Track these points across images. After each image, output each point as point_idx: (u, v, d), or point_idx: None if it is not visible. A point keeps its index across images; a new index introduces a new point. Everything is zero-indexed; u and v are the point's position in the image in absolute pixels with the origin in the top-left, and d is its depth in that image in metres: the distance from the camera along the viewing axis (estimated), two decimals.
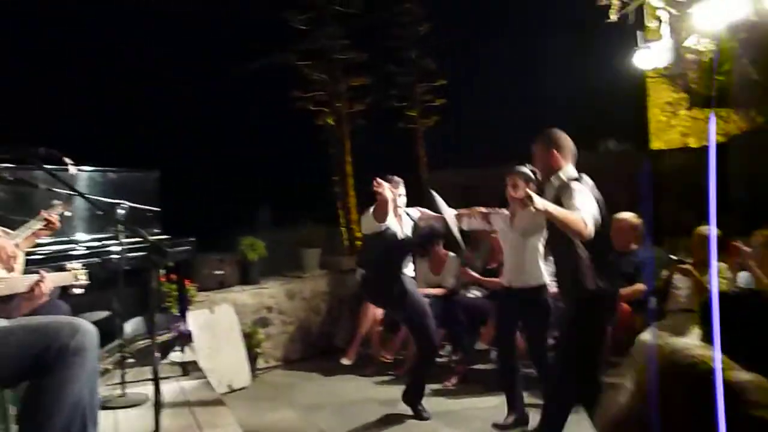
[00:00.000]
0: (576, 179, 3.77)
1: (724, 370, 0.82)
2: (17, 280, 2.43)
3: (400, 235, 4.82)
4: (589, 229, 3.31)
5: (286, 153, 10.55)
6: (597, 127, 10.91)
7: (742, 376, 0.83)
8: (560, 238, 3.64)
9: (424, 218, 4.99)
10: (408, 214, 4.98)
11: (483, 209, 4.76)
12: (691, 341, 0.88)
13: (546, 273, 4.60)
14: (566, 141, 3.94)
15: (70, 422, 2.23)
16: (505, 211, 4.68)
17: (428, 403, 5.22)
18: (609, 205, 7.09)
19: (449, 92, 13.31)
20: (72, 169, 2.75)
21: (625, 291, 5.17)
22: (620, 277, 5.24)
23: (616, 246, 5.42)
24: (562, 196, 3.58)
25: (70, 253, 4.38)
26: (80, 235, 4.67)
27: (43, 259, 4.18)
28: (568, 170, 3.87)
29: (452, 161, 11.42)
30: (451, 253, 6.42)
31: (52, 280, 2.49)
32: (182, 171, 8.36)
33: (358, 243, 7.58)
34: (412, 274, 5.09)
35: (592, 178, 3.93)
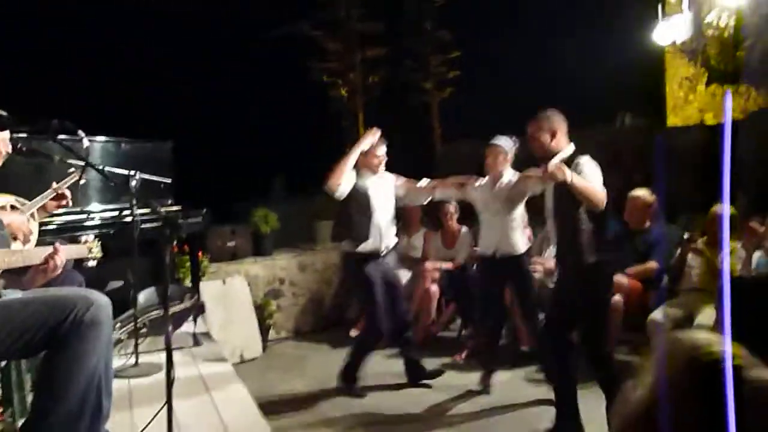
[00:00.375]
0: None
1: (745, 367, 0.81)
2: (31, 252, 2.45)
3: (374, 195, 4.69)
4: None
5: (300, 124, 10.54)
6: (614, 102, 10.77)
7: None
8: (566, 210, 3.71)
9: (401, 186, 4.89)
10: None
11: (460, 179, 4.83)
12: (714, 336, 0.86)
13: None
14: (562, 121, 3.95)
15: (86, 393, 2.27)
16: (482, 180, 4.72)
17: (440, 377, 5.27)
18: (623, 181, 7.06)
19: (464, 64, 13.19)
20: (85, 141, 2.74)
21: (637, 269, 5.16)
22: (634, 254, 5.24)
23: (630, 223, 5.40)
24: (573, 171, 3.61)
25: (85, 223, 4.42)
26: (94, 206, 4.69)
27: (57, 229, 4.22)
28: (569, 149, 3.90)
29: (467, 133, 11.37)
30: (464, 228, 6.42)
31: (66, 252, 2.50)
32: (196, 142, 8.39)
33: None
34: (392, 242, 4.87)
35: (607, 153, 3.98)
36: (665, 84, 11.44)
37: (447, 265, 6.26)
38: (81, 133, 2.63)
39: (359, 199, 4.62)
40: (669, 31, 6.01)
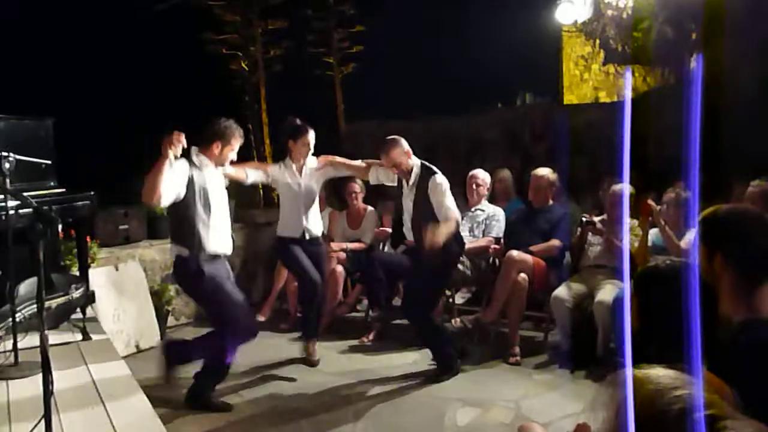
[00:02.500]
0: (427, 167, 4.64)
1: (721, 415, 0.72)
2: None
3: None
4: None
5: (198, 99, 10.07)
6: (516, 81, 10.94)
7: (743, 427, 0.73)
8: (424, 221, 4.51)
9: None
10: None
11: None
12: (674, 374, 0.78)
13: None
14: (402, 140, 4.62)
15: None
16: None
17: (346, 360, 5.17)
18: (526, 159, 7.16)
19: (369, 40, 13.03)
20: None
21: (540, 247, 5.22)
22: (536, 233, 5.30)
23: (533, 202, 5.46)
24: (432, 190, 4.52)
25: None
26: None
27: None
28: (415, 160, 4.65)
29: (371, 112, 11.23)
30: (370, 207, 6.32)
31: None
32: (82, 119, 7.84)
33: (275, 195, 7.34)
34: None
35: (509, 133, 4.17)
36: (562, 63, 11.75)
37: (353, 246, 6.14)
38: None
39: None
40: (570, 11, 6.08)
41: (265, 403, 4.38)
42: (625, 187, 4.74)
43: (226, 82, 12.59)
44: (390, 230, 5.96)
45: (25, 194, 3.04)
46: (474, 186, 5.67)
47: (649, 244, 4.86)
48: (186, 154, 3.96)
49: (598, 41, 7.19)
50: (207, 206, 4.01)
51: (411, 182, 4.67)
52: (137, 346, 5.48)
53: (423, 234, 4.38)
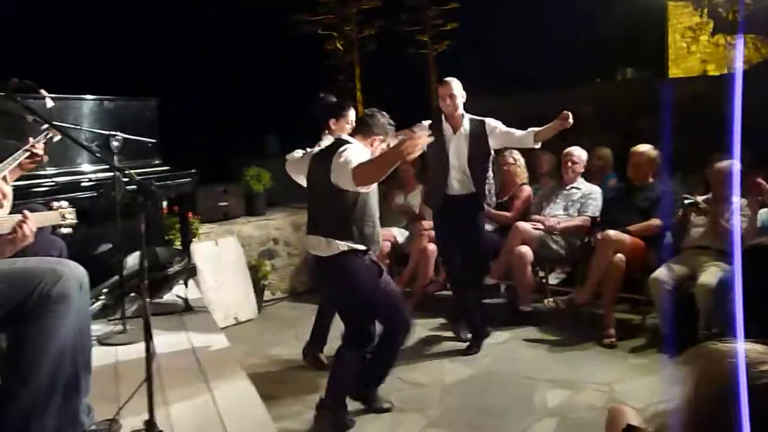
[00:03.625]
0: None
1: None
2: (6, 221, 2.29)
3: None
4: None
5: (293, 80, 10.26)
6: (615, 56, 10.50)
7: None
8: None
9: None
10: None
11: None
12: (762, 348, 0.73)
13: None
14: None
15: (58, 369, 2.14)
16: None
17: (434, 337, 5.19)
18: (625, 136, 6.88)
19: (463, 16, 12.85)
20: (48, 101, 2.57)
21: (639, 226, 5.03)
22: (636, 211, 5.10)
23: (633, 179, 5.26)
24: (492, 131, 4.66)
25: (74, 185, 4.29)
26: (85, 167, 4.55)
27: (47, 191, 4.09)
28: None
29: (465, 90, 11.07)
30: None
31: (36, 220, 2.35)
32: (185, 99, 8.16)
33: None
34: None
35: (609, 108, 3.95)
36: (667, 35, 11.15)
37: None
38: (43, 92, 2.45)
39: None
40: None
41: None
42: (735, 165, 4.47)
43: (321, 62, 12.74)
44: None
45: (128, 170, 3.19)
46: (570, 163, 5.52)
47: (759, 224, 4.58)
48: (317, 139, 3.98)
49: (706, 11, 6.81)
50: (374, 198, 3.64)
51: (461, 130, 4.65)
52: (236, 318, 5.71)
53: (481, 183, 4.55)
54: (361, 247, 3.44)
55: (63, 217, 2.50)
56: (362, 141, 3.56)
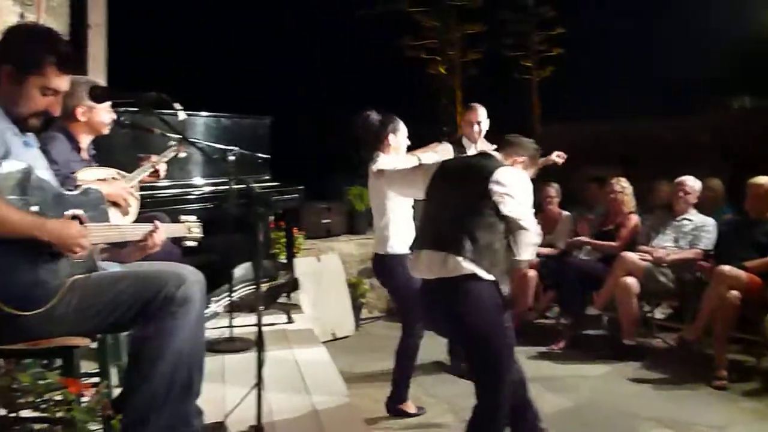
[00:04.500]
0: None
1: None
2: (129, 229, 2.45)
3: None
4: None
5: (396, 102, 10.39)
6: (734, 83, 10.03)
7: None
8: None
9: None
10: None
11: None
12: None
13: None
14: None
15: (175, 370, 2.24)
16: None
17: (534, 366, 5.07)
18: (740, 167, 6.55)
19: (569, 42, 12.67)
20: (182, 115, 2.73)
21: (757, 262, 4.76)
22: (753, 246, 4.84)
23: (751, 213, 5.00)
24: None
25: (186, 197, 4.48)
26: (197, 180, 4.76)
27: (161, 201, 4.30)
28: None
29: (568, 115, 10.89)
30: (566, 212, 6.15)
31: (165, 231, 2.50)
32: (293, 118, 8.43)
33: None
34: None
35: (724, 137, 3.62)
36: None
37: (545, 251, 6.01)
38: (178, 106, 2.60)
39: None
40: None
41: (450, 398, 4.38)
42: None
43: (423, 85, 12.84)
44: (586, 239, 5.77)
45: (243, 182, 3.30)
46: (682, 193, 5.31)
47: None
48: None
49: None
50: None
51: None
52: (333, 334, 5.80)
53: None
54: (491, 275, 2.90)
55: (189, 230, 2.65)
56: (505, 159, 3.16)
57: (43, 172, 2.13)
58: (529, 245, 2.95)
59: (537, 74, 13.78)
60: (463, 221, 2.93)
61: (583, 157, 4.55)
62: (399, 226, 3.73)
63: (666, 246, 5.28)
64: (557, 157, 4.66)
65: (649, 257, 5.20)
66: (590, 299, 5.76)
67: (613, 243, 5.60)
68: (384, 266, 3.78)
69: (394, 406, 3.95)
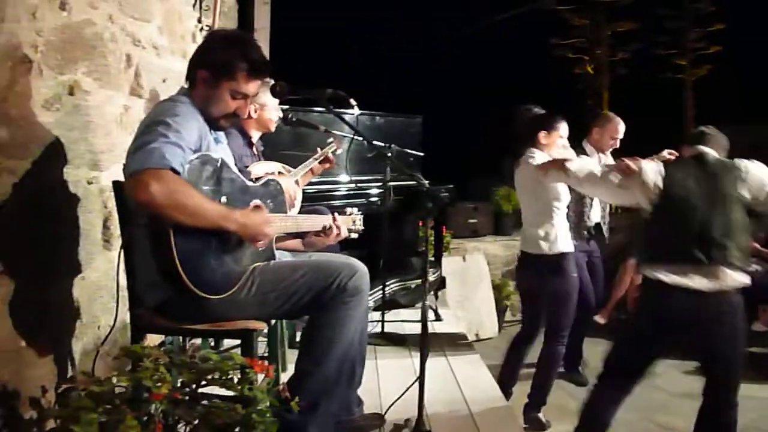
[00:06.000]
0: None
1: None
2: (304, 220, 2.56)
3: None
4: None
5: (542, 102, 10.20)
6: None
7: None
8: None
9: None
10: None
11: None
12: None
13: None
14: None
15: (344, 359, 2.32)
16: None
17: (686, 384, 4.78)
18: None
19: (729, 38, 11.87)
20: (356, 110, 2.80)
21: None
22: None
23: None
24: None
25: (335, 192, 4.59)
26: (344, 176, 4.86)
27: (311, 196, 4.44)
28: None
29: (727, 117, 10.17)
30: None
31: (343, 223, 2.61)
32: (441, 118, 8.48)
33: None
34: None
35: None
36: None
37: None
38: (353, 102, 2.68)
39: None
40: None
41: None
42: None
43: (569, 85, 12.48)
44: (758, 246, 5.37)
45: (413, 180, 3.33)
46: None
47: None
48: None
49: None
50: None
51: None
52: (477, 335, 5.76)
53: None
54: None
55: (353, 222, 2.74)
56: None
57: (232, 165, 2.26)
58: None
59: (692, 73, 12.98)
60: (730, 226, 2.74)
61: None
62: (563, 225, 3.57)
63: None
64: (669, 154, 4.09)
65: None
66: (756, 315, 5.36)
67: None
68: (550, 266, 3.51)
69: (530, 414, 3.83)
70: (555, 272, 3.50)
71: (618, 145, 4.41)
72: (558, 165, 3.32)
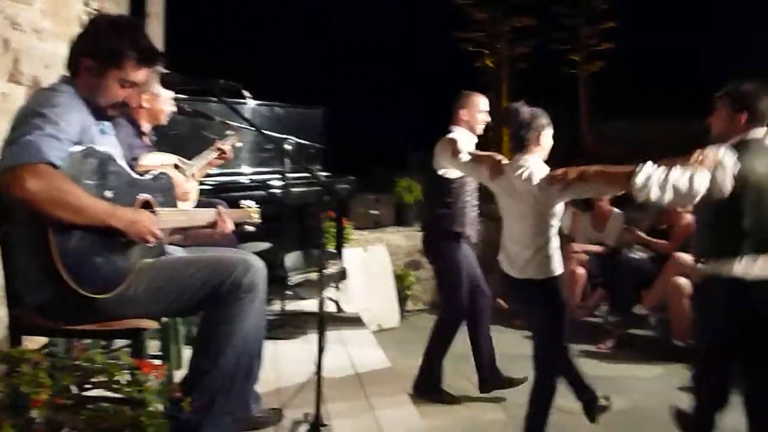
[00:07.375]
0: None
1: None
2: (198, 214, 2.49)
3: None
4: None
5: (444, 94, 10.38)
6: None
7: None
8: None
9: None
10: None
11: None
12: None
13: None
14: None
15: (240, 355, 2.28)
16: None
17: (585, 365, 4.99)
18: None
19: (621, 37, 12.42)
20: (250, 102, 2.75)
21: None
22: None
23: None
24: None
25: (236, 184, 4.52)
26: (245, 168, 4.79)
27: (211, 189, 4.35)
28: None
29: (618, 112, 10.67)
30: (616, 210, 6.05)
31: (231, 217, 2.54)
32: (342, 109, 8.47)
33: None
34: None
35: None
36: None
37: (595, 249, 5.93)
38: (246, 93, 2.63)
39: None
40: None
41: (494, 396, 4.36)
42: None
43: (471, 78, 12.73)
44: (641, 233, 5.67)
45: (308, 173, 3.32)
46: None
47: None
48: None
49: None
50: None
51: None
52: (379, 325, 5.81)
53: None
54: None
55: (249, 216, 2.69)
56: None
57: (119, 158, 2.17)
58: None
59: (584, 69, 13.52)
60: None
61: (636, 155, 4.42)
62: (557, 244, 3.17)
63: None
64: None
65: None
66: (638, 298, 5.67)
67: (664, 242, 5.50)
68: (548, 289, 3.13)
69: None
70: (558, 296, 3.16)
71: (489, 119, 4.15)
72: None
